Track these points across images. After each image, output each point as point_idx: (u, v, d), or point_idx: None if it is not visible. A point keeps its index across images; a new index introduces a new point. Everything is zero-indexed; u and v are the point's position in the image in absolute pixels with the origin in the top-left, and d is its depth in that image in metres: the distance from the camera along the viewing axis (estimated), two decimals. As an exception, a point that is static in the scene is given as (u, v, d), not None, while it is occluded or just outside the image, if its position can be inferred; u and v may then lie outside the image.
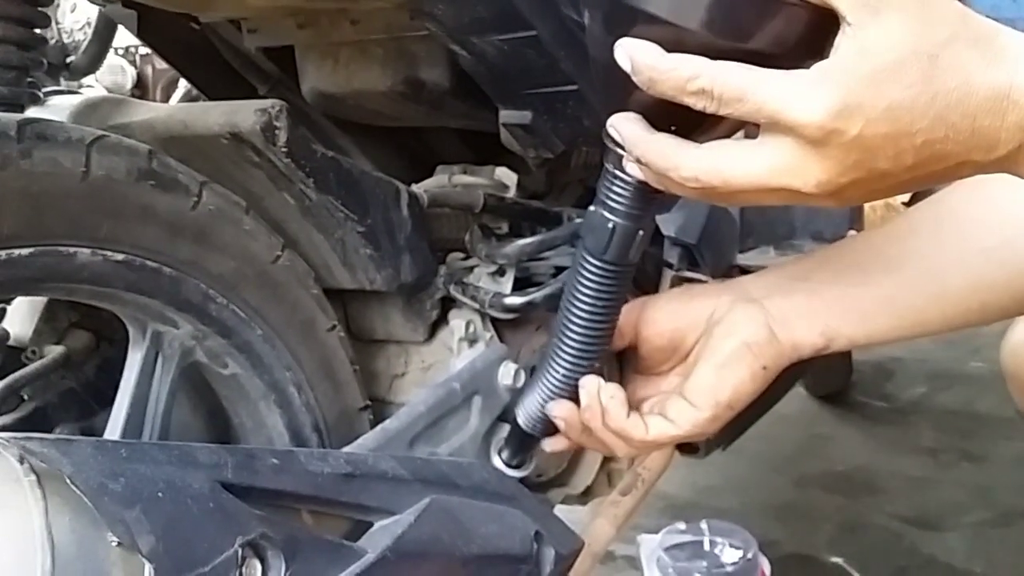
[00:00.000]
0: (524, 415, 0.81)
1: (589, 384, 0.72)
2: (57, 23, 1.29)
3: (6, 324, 0.88)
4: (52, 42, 1.20)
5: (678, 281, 1.05)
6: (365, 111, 1.07)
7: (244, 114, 0.76)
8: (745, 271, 1.19)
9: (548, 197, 1.21)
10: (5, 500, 0.48)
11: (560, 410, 0.74)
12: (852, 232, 1.40)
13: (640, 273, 1.06)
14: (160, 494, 0.51)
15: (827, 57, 0.49)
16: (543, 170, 1.14)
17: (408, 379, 1.02)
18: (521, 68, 0.89)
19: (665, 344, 0.74)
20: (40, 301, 0.89)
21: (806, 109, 0.48)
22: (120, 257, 0.69)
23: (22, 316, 0.89)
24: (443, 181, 1.11)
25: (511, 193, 1.11)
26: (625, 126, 0.57)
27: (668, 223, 1.08)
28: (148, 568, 0.48)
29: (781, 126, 0.50)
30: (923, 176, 0.50)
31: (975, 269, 0.69)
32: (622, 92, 0.57)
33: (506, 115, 0.95)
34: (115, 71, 4.21)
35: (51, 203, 0.63)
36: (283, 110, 0.76)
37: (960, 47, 0.47)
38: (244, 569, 0.54)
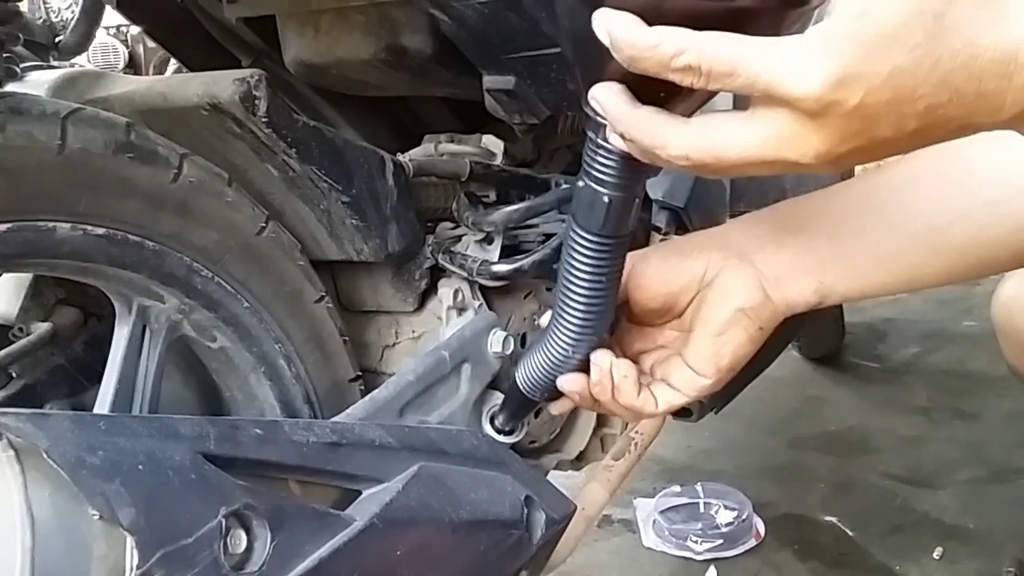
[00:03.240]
0: (525, 380, 0.80)
1: (601, 360, 0.71)
2: (45, 2, 1.28)
3: (-8, 302, 0.87)
4: (40, 21, 1.19)
5: (666, 246, 1.05)
6: (349, 81, 1.06)
7: (223, 84, 0.76)
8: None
9: (536, 164, 1.20)
10: (-17, 475, 0.48)
11: (572, 385, 0.73)
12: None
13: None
14: (140, 467, 0.51)
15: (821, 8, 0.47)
16: (530, 137, 1.13)
17: (399, 349, 1.02)
18: (502, 32, 0.88)
19: (659, 307, 0.73)
20: (26, 278, 0.89)
21: (803, 81, 0.45)
22: (101, 231, 0.68)
23: (8, 294, 0.88)
24: (429, 150, 1.10)
25: (498, 161, 1.10)
26: (608, 99, 0.54)
27: (655, 186, 1.07)
28: (130, 541, 0.49)
29: (776, 99, 0.47)
30: (925, 140, 0.48)
31: (978, 223, 0.67)
32: (600, 62, 0.53)
33: (490, 81, 0.94)
34: (107, 51, 4.19)
35: (27, 177, 0.62)
36: (262, 79, 0.76)
37: (966, 4, 0.44)
38: (229, 539, 0.55)
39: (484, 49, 0.92)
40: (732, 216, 1.24)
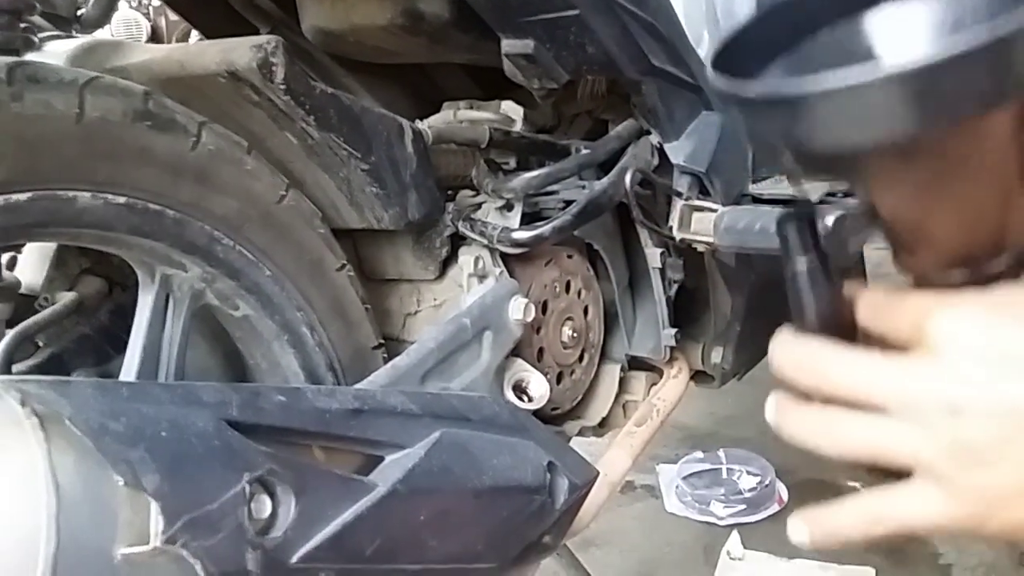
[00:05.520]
0: None
1: None
2: (66, -26, 1.28)
3: (18, 272, 0.88)
4: (61, -6, 1.19)
5: (688, 210, 1.04)
6: (367, 48, 1.05)
7: (240, 51, 0.75)
8: (757, 200, 1.17)
9: (556, 130, 1.19)
10: (7, 443, 0.49)
11: None
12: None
13: (648, 202, 1.05)
14: (164, 433, 0.51)
15: None
16: (549, 103, 1.12)
17: (420, 317, 1.02)
18: (520, -7, 0.87)
19: None
20: (50, 248, 0.90)
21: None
22: (121, 200, 0.68)
23: (33, 264, 0.89)
24: (449, 117, 1.10)
25: (518, 127, 1.09)
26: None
27: (677, 151, 1.06)
28: (154, 506, 0.49)
29: None
30: None
31: None
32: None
33: (508, 45, 0.93)
34: (129, 24, 4.19)
35: (46, 147, 0.63)
36: (279, 46, 0.75)
37: None
38: (253, 504, 0.55)
39: (502, 12, 0.91)
40: (755, 182, 1.23)
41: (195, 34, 1.55)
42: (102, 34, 1.07)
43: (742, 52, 0.43)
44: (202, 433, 0.53)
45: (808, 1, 0.44)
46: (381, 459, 0.69)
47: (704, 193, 1.08)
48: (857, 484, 1.78)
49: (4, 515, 0.49)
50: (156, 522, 0.49)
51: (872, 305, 0.49)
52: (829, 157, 0.40)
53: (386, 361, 0.90)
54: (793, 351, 0.48)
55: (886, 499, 0.48)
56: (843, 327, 0.48)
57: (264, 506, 0.56)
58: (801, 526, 0.50)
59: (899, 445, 0.45)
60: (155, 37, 4.12)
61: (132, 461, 0.48)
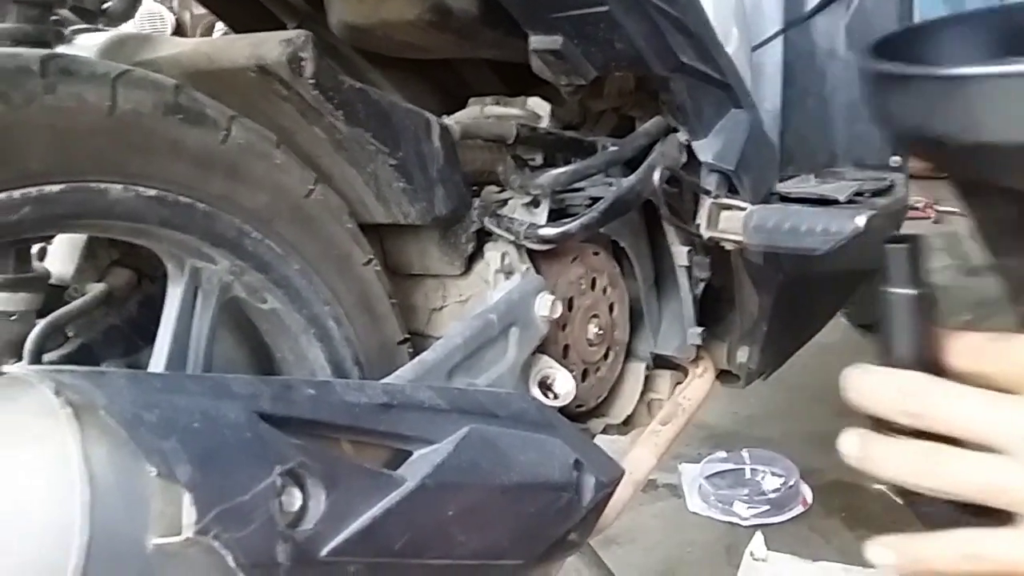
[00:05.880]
0: None
1: None
2: (91, -33, 1.28)
3: (48, 263, 0.89)
4: (88, -14, 1.19)
5: (716, 208, 1.03)
6: (394, 43, 1.05)
7: (270, 45, 0.75)
8: (784, 198, 1.16)
9: (582, 127, 1.19)
10: (42, 433, 0.49)
11: None
12: (896, 159, 1.35)
13: (675, 200, 1.05)
14: (196, 424, 0.51)
15: None
16: (576, 99, 1.12)
17: (446, 312, 1.02)
18: (549, -12, 0.87)
19: None
20: (80, 239, 0.90)
21: None
22: (152, 193, 0.69)
23: (63, 255, 0.90)
24: (475, 113, 1.09)
25: (544, 123, 1.09)
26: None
27: (705, 149, 1.05)
28: (187, 497, 0.49)
29: None
30: None
31: None
32: None
33: (536, 41, 0.93)
34: (153, 17, 4.23)
35: (78, 139, 0.63)
36: (308, 40, 0.75)
37: None
38: (284, 497, 0.55)
39: (530, 8, 0.91)
40: (782, 180, 1.22)
41: (218, 29, 1.56)
42: (127, 28, 1.08)
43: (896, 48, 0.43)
44: (234, 425, 0.53)
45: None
46: (409, 454, 0.69)
47: (732, 191, 1.07)
48: (883, 487, 1.77)
49: (38, 505, 0.49)
50: (188, 513, 0.49)
51: (974, 347, 0.47)
52: (992, 150, 0.39)
53: (411, 356, 0.90)
54: (887, 382, 0.46)
55: (989, 538, 0.46)
56: (931, 364, 0.47)
57: (294, 499, 0.56)
58: (885, 552, 0.48)
59: (1014, 486, 0.44)
60: (179, 31, 4.15)
61: (165, 452, 0.48)
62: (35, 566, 0.49)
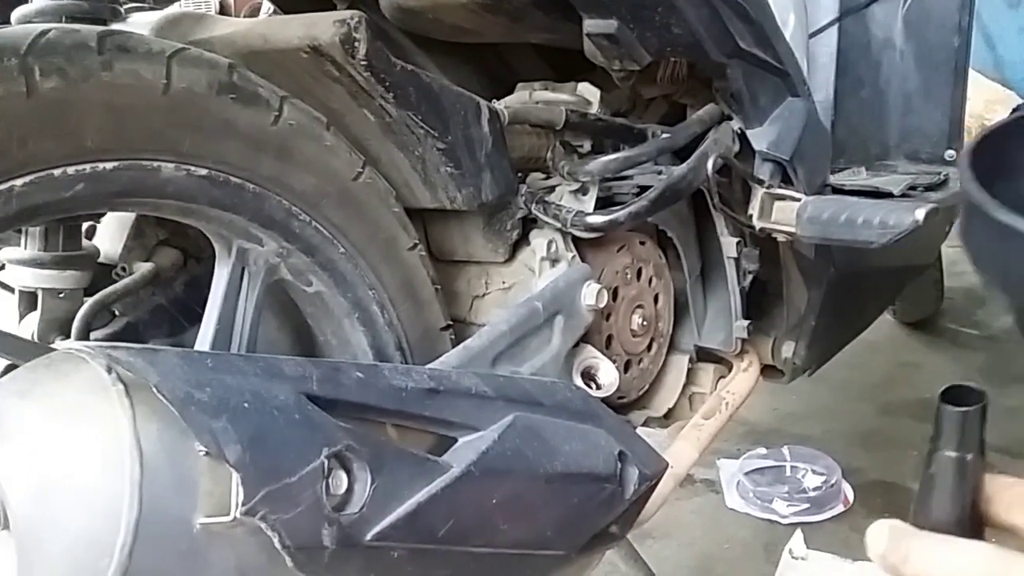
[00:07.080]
0: None
1: None
2: (141, -52, 1.29)
3: (96, 241, 0.89)
4: (137, -33, 1.20)
5: (769, 199, 1.01)
6: (444, 26, 1.04)
7: (323, 26, 0.75)
8: (837, 190, 1.14)
9: (631, 114, 1.17)
10: (94, 409, 0.49)
11: None
12: (951, 152, 1.32)
13: (726, 189, 1.03)
14: (246, 404, 0.51)
15: None
16: (627, 85, 1.10)
17: (489, 300, 1.01)
18: (606, -29, 0.85)
19: None
20: (129, 218, 0.90)
21: None
22: (203, 172, 0.68)
23: (112, 233, 0.90)
24: (524, 98, 1.08)
25: (594, 110, 1.07)
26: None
27: (760, 137, 1.03)
28: (235, 477, 0.49)
29: None
30: None
31: None
32: None
33: (590, 25, 0.91)
34: (199, -2, 4.26)
35: (133, 116, 0.63)
36: (362, 21, 0.74)
37: None
38: (330, 480, 0.54)
39: (586, -10, 0.89)
40: (833, 172, 1.19)
41: (264, 10, 1.56)
42: (175, 8, 1.08)
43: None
44: (283, 406, 0.53)
45: None
46: (454, 440, 0.68)
47: (785, 181, 1.05)
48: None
49: (89, 480, 0.49)
50: (236, 493, 0.49)
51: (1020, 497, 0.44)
52: None
53: (453, 343, 0.89)
54: (924, 549, 0.43)
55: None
56: (971, 528, 0.44)
57: (341, 482, 0.55)
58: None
59: None
60: (223, 12, 4.18)
61: (215, 431, 0.48)
62: (84, 541, 0.49)
